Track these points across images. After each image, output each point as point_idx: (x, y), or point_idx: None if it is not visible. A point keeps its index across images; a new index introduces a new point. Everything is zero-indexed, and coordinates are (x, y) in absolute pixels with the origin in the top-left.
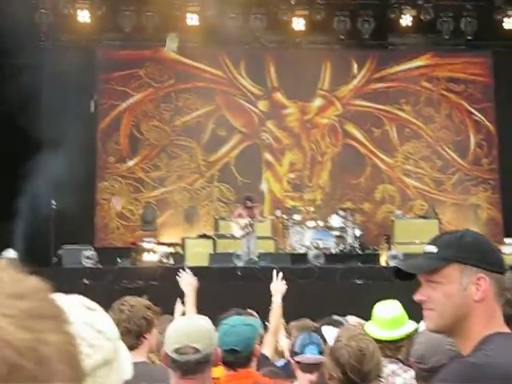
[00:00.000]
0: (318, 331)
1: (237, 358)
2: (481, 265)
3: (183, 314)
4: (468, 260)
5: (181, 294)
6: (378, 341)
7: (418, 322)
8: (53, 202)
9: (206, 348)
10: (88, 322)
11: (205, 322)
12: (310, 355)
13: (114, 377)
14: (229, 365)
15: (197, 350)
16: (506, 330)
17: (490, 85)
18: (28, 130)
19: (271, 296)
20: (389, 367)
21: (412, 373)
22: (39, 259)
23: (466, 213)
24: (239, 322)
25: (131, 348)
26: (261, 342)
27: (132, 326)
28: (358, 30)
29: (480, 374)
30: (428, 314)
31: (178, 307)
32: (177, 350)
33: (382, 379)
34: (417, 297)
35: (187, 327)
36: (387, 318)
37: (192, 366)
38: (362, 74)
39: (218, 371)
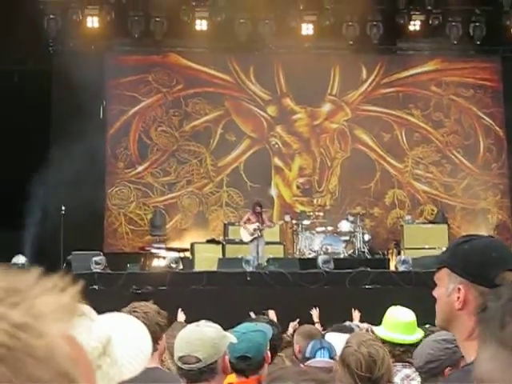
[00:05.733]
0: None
1: (248, 364)
2: (463, 274)
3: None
4: (453, 267)
5: (186, 301)
6: (392, 344)
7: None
8: (62, 207)
9: (209, 357)
10: None
11: (210, 330)
12: (321, 359)
13: None
14: (240, 371)
15: (198, 360)
16: None
17: (499, 89)
18: (37, 136)
19: (280, 300)
20: (403, 371)
21: None
22: (49, 265)
23: (475, 217)
24: (250, 328)
25: None
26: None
27: None
28: (367, 35)
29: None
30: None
31: (180, 316)
32: (180, 359)
33: None
34: (433, 293)
35: (191, 336)
36: (404, 323)
37: (195, 374)
38: (371, 79)
39: (230, 378)
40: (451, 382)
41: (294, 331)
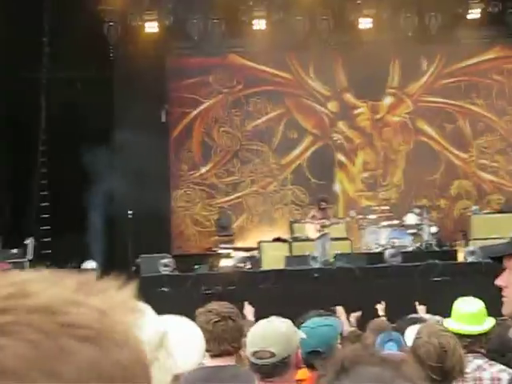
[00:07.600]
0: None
1: (319, 359)
2: None
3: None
4: None
5: (255, 300)
6: (459, 336)
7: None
8: (129, 212)
9: (283, 352)
10: None
11: (283, 325)
12: (389, 351)
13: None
14: (312, 366)
15: (273, 354)
16: None
17: None
18: (101, 142)
19: (349, 296)
20: (474, 362)
21: (498, 367)
22: (118, 269)
23: None
24: (319, 323)
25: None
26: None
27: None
28: (426, 25)
29: None
30: (503, 300)
31: (248, 309)
32: (254, 354)
33: (466, 375)
34: (496, 282)
35: (264, 331)
36: (469, 313)
37: (269, 369)
38: (432, 69)
39: (302, 373)
40: None
41: (358, 322)
